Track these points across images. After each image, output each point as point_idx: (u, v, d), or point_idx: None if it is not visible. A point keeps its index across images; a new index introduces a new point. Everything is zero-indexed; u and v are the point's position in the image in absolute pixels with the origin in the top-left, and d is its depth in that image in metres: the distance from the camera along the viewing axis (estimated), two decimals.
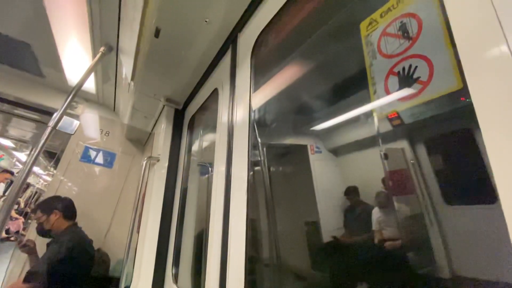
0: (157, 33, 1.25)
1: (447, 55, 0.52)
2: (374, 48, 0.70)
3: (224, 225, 1.02)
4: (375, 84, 0.68)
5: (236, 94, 1.19)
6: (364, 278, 1.14)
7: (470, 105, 0.39)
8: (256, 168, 1.41)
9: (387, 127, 0.93)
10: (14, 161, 7.23)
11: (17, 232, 6.92)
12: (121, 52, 1.81)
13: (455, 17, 0.45)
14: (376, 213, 1.19)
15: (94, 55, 1.92)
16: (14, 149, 6.16)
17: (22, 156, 6.70)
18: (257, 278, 1.42)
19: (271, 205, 1.41)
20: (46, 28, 1.72)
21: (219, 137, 1.26)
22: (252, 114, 1.07)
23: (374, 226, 1.18)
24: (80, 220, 2.18)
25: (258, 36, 1.12)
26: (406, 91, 0.62)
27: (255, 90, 1.12)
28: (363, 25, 0.74)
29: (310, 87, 1.49)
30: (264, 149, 1.42)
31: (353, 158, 1.31)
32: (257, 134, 1.22)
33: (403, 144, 1.02)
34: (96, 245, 2.15)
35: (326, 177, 1.41)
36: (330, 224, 1.33)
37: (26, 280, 1.64)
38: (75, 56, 2.03)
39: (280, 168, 1.72)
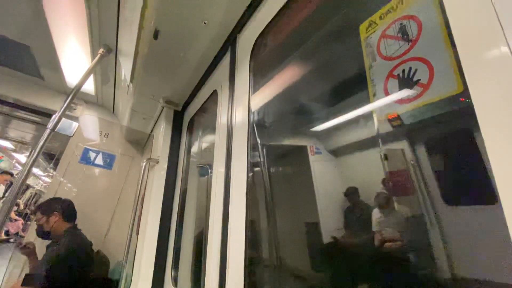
0: (156, 35, 1.24)
1: (447, 58, 0.52)
2: (373, 50, 0.70)
3: (224, 226, 1.02)
4: (375, 86, 0.68)
5: (235, 95, 1.19)
6: (364, 278, 1.14)
7: (471, 106, 0.39)
8: (256, 169, 1.41)
9: (387, 128, 0.93)
10: (13, 162, 7.23)
11: (17, 233, 6.92)
12: (120, 53, 1.80)
13: (455, 19, 0.44)
14: (376, 214, 1.18)
15: (93, 57, 1.92)
16: (14, 150, 6.15)
17: (22, 157, 6.70)
18: (257, 279, 1.42)
19: (270, 206, 1.40)
20: (45, 30, 1.72)
21: (218, 139, 1.26)
22: (251, 116, 1.07)
23: (374, 227, 1.17)
24: (80, 222, 2.17)
25: (257, 38, 1.12)
26: (406, 94, 0.62)
27: (254, 91, 1.12)
28: (362, 27, 0.74)
29: (309, 89, 1.49)
30: (264, 150, 1.42)
31: (353, 159, 1.31)
32: (256, 135, 1.22)
33: (403, 144, 1.02)
34: (95, 247, 2.15)
35: (326, 178, 1.41)
36: (330, 225, 1.33)
37: (25, 283, 1.64)
38: (74, 58, 2.03)
39: (280, 169, 1.72)
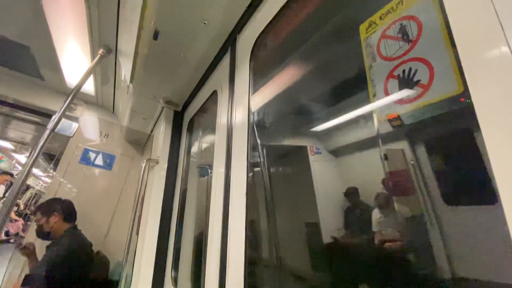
0: (155, 35, 1.24)
1: (447, 58, 0.52)
2: (373, 51, 0.69)
3: (224, 226, 1.02)
4: (375, 86, 0.68)
5: (235, 95, 1.19)
6: (364, 278, 1.13)
7: (471, 106, 0.39)
8: (256, 169, 1.41)
9: (387, 128, 0.93)
10: (13, 163, 7.23)
11: (17, 234, 6.91)
12: (120, 54, 1.80)
13: (455, 19, 0.44)
14: (376, 214, 1.18)
15: (93, 57, 1.92)
16: (14, 151, 6.15)
17: (22, 158, 6.70)
18: (257, 279, 1.42)
19: (270, 206, 1.40)
20: (45, 30, 1.72)
21: (218, 139, 1.26)
22: (251, 116, 1.07)
23: (374, 227, 1.17)
24: (80, 222, 2.17)
25: (257, 38, 1.12)
26: (406, 95, 0.62)
27: (254, 91, 1.12)
28: (362, 27, 0.74)
29: (309, 89, 1.49)
30: (264, 150, 1.42)
31: (353, 159, 1.31)
32: (256, 135, 1.22)
33: (403, 144, 1.02)
34: (95, 248, 2.15)
35: (326, 178, 1.41)
36: (330, 225, 1.33)
37: (25, 283, 1.63)
38: (74, 58, 2.03)
39: (280, 169, 1.72)
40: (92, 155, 2.79)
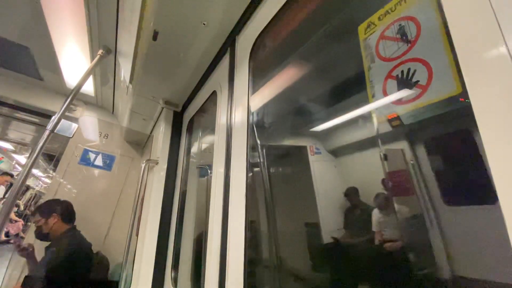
0: (155, 36, 1.24)
1: (446, 59, 0.52)
2: (372, 51, 0.70)
3: (223, 227, 1.02)
4: (374, 87, 0.68)
5: (235, 96, 1.19)
6: (364, 278, 1.13)
7: (469, 106, 0.39)
8: (255, 169, 1.41)
9: (386, 128, 0.93)
10: (13, 163, 7.23)
11: (17, 234, 6.91)
12: (120, 54, 1.80)
13: (453, 19, 0.44)
14: (376, 214, 1.18)
15: (92, 58, 1.92)
16: (14, 152, 6.15)
17: (22, 158, 6.69)
18: (257, 279, 1.42)
19: (270, 206, 1.40)
20: (44, 31, 1.72)
21: (217, 139, 1.26)
22: (251, 116, 1.07)
23: (374, 227, 1.17)
24: (79, 223, 2.17)
25: (256, 39, 1.12)
26: (404, 95, 0.62)
27: (253, 92, 1.12)
28: (361, 28, 0.74)
29: (309, 89, 1.49)
30: (263, 150, 1.42)
31: (353, 159, 1.31)
32: (256, 135, 1.22)
33: (403, 145, 1.02)
34: (95, 249, 2.14)
35: (326, 178, 1.41)
36: (330, 225, 1.33)
37: (25, 285, 1.63)
38: (74, 59, 2.03)
39: (279, 169, 1.72)
40: (91, 156, 2.79)
